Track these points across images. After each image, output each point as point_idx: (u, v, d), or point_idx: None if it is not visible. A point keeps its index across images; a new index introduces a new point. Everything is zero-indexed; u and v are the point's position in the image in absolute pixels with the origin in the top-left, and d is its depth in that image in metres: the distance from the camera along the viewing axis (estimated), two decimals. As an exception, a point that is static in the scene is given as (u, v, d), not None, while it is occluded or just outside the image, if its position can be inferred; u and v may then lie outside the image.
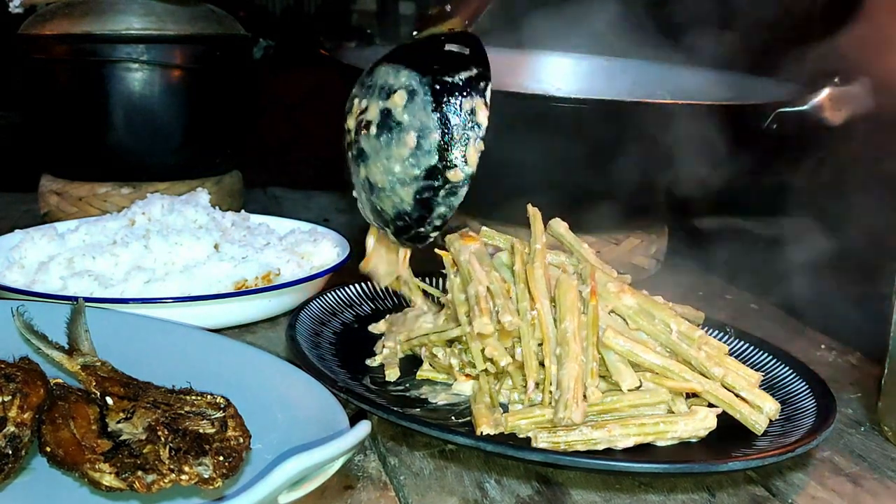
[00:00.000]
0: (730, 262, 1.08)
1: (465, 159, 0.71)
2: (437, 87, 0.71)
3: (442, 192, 0.72)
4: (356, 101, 0.77)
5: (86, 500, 0.53)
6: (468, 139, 0.70)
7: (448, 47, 0.74)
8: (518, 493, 0.60)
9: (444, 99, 0.71)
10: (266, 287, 0.85)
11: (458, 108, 0.71)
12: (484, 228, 0.78)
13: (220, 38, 1.19)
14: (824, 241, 0.91)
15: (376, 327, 0.82)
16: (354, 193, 0.78)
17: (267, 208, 1.27)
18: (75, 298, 0.74)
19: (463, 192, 0.72)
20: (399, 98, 0.72)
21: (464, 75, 0.71)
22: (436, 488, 0.60)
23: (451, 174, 0.71)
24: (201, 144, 1.23)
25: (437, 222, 0.73)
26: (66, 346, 0.68)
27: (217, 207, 1.02)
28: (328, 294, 0.85)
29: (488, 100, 0.71)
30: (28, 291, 0.80)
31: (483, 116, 0.71)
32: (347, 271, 0.99)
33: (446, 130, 0.71)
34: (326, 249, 0.96)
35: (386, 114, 0.72)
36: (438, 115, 0.71)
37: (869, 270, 0.80)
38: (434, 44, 0.75)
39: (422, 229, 0.74)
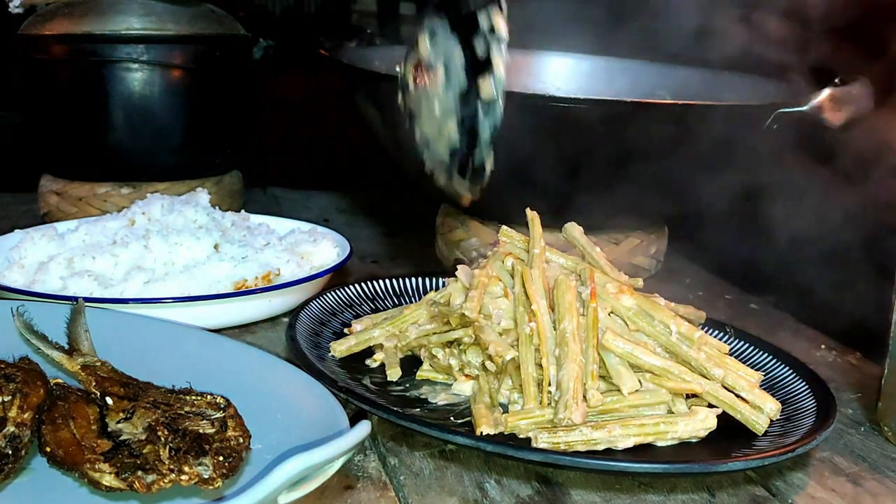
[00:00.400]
0: (730, 262, 1.08)
1: (493, 72, 0.70)
2: (452, 14, 0.71)
3: (481, 113, 0.71)
4: (399, 72, 0.77)
5: (86, 500, 0.53)
6: (492, 51, 0.70)
7: None
8: (518, 494, 0.60)
9: (461, 21, 0.71)
10: (266, 287, 0.85)
11: (476, 25, 0.70)
12: (504, 228, 0.78)
13: (219, 38, 1.19)
14: (825, 242, 0.91)
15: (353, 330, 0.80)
16: (428, 166, 0.77)
17: (267, 208, 1.27)
18: (75, 298, 0.74)
19: (500, 106, 0.71)
20: (422, 41, 0.72)
21: None
22: (436, 488, 0.60)
23: (483, 92, 0.71)
24: (201, 144, 1.23)
25: (486, 149, 0.72)
26: (66, 347, 0.68)
27: (217, 207, 1.02)
28: (328, 294, 0.85)
29: (504, 9, 0.71)
30: (28, 291, 0.80)
31: (502, 26, 0.70)
32: (347, 271, 0.99)
33: (467, 49, 0.71)
34: (326, 249, 0.96)
35: (417, 64, 0.73)
36: (458, 36, 0.71)
37: (869, 270, 0.80)
38: None
39: (474, 158, 0.73)
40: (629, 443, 0.62)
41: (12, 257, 0.90)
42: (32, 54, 1.14)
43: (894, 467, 0.67)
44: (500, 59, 0.70)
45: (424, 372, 0.74)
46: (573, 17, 1.14)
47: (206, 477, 0.50)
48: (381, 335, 0.76)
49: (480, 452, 0.64)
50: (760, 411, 0.66)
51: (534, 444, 0.61)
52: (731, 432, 0.65)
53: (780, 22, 0.98)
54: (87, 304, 0.73)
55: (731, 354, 0.72)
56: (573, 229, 0.79)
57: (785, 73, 1.01)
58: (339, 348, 0.75)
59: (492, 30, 0.70)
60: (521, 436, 0.64)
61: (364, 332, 0.77)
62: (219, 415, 0.56)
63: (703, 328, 0.79)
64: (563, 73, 1.27)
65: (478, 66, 0.71)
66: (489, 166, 0.74)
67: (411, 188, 1.03)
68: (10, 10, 1.17)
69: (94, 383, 0.61)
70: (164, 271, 0.86)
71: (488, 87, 0.70)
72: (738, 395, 0.67)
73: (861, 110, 0.90)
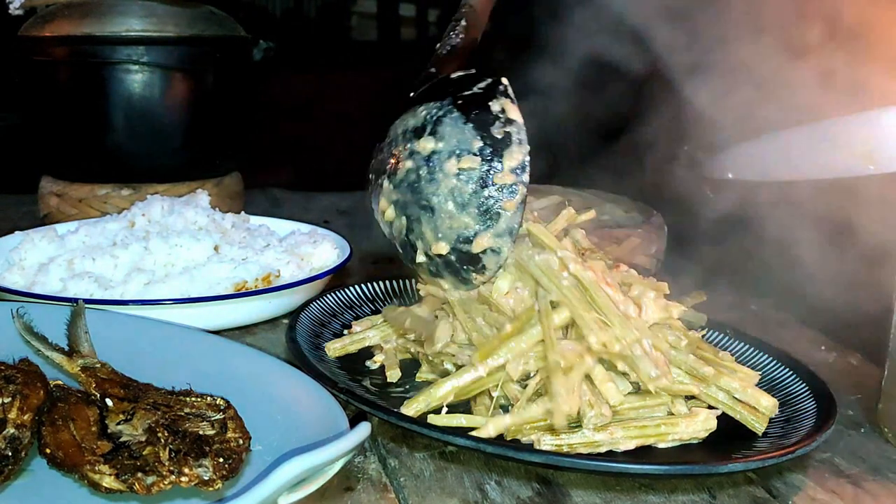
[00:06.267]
0: (730, 263, 1.07)
1: (512, 164, 0.68)
2: (460, 102, 0.69)
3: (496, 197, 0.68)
4: (374, 178, 0.74)
5: (86, 501, 0.53)
6: (510, 139, 0.68)
7: (453, 75, 0.72)
8: (518, 495, 0.60)
9: (472, 109, 0.69)
10: (266, 288, 0.85)
11: (489, 112, 0.69)
12: (530, 225, 0.77)
13: (220, 39, 1.19)
14: (825, 242, 0.91)
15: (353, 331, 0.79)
16: (423, 269, 0.73)
17: (267, 210, 1.27)
18: (75, 300, 0.74)
19: (521, 191, 0.68)
20: (426, 137, 0.70)
21: (482, 85, 0.70)
22: (436, 490, 0.60)
23: (498, 178, 0.68)
24: (201, 146, 1.23)
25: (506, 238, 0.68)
26: (66, 348, 0.68)
27: (217, 209, 1.02)
28: (328, 295, 0.85)
29: (513, 97, 0.69)
30: (28, 293, 0.80)
31: (515, 113, 0.69)
32: (347, 273, 0.99)
33: (485, 135, 0.68)
34: (326, 251, 0.96)
35: (418, 156, 0.70)
36: (472, 124, 0.69)
37: (869, 271, 0.80)
38: (437, 82, 0.73)
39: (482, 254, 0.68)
40: (630, 445, 0.62)
41: (12, 259, 0.90)
42: (33, 56, 1.15)
43: (894, 469, 0.67)
44: (519, 150, 0.68)
45: (424, 374, 0.74)
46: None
47: (205, 478, 0.50)
48: (377, 336, 0.76)
49: (481, 454, 0.64)
50: (757, 410, 0.66)
51: (537, 446, 0.61)
52: (731, 434, 0.65)
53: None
54: (87, 305, 0.73)
55: (731, 356, 0.72)
56: (575, 232, 0.79)
57: None
58: (334, 347, 0.75)
59: (502, 111, 0.69)
60: (522, 437, 0.63)
61: (359, 333, 0.77)
62: (219, 416, 0.56)
63: (703, 329, 0.79)
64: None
65: (495, 151, 0.68)
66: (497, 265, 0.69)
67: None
68: (10, 11, 1.17)
69: (94, 385, 0.61)
70: (164, 273, 0.86)
71: (507, 177, 0.67)
72: (733, 396, 0.66)
73: None
